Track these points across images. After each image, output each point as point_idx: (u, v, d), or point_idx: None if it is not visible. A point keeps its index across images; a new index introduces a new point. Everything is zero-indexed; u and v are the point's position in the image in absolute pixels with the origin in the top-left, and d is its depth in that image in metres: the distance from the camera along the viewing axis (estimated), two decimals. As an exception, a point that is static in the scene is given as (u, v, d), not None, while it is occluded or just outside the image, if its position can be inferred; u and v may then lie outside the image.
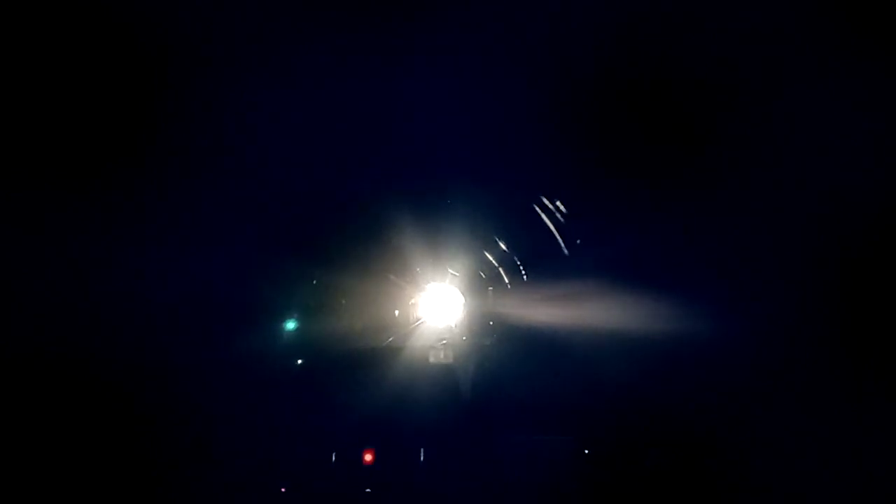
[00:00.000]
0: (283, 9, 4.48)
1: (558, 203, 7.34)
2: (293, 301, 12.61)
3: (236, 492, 6.04)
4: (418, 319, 31.11)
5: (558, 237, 8.10)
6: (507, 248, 11.15)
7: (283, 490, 6.48)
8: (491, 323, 13.67)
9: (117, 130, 5.02)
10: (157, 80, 5.00)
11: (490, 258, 13.66)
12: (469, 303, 20.55)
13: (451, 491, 6.50)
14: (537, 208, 7.87)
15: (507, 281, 13.05)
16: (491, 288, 14.69)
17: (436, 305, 29.06)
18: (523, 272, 10.80)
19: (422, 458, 6.89)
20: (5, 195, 4.04)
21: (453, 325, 26.44)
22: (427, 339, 24.96)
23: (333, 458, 6.77)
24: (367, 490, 6.61)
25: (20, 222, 3.99)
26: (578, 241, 7.69)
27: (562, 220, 7.73)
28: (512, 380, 9.19)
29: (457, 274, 19.58)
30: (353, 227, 12.67)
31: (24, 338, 4.07)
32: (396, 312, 26.86)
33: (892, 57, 3.65)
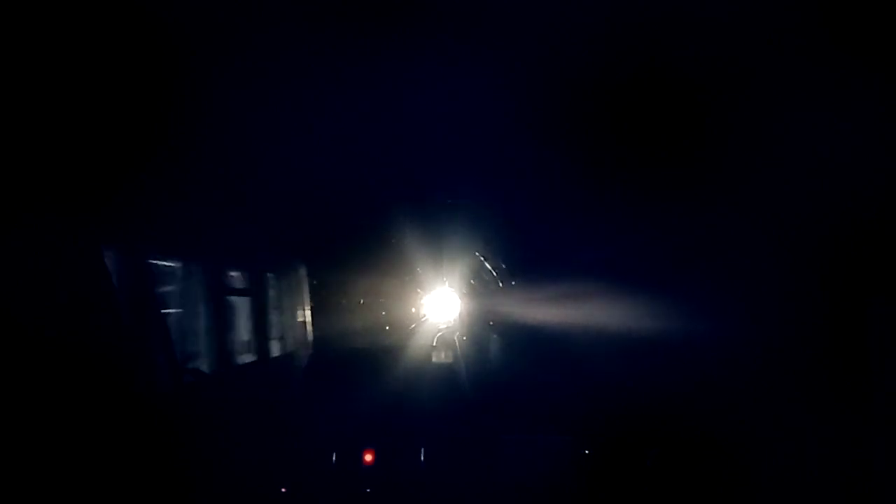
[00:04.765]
0: (292, 15, 4.49)
1: (558, 203, 7.33)
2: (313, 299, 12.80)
3: (236, 492, 6.05)
4: (423, 317, 31.68)
5: (558, 237, 8.09)
6: (508, 248, 11.16)
7: (283, 490, 6.50)
8: (491, 323, 13.68)
9: (127, 132, 5.03)
10: (169, 85, 5.01)
11: (491, 259, 13.67)
12: (470, 303, 20.62)
13: (451, 491, 6.51)
14: (537, 208, 7.87)
15: (507, 281, 13.06)
16: (492, 288, 14.72)
17: (438, 305, 29.32)
18: (523, 272, 10.81)
19: (422, 458, 6.91)
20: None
21: (454, 325, 26.53)
22: (429, 337, 25.18)
23: (334, 458, 6.78)
24: (367, 490, 6.63)
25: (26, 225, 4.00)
26: (578, 242, 7.69)
27: (562, 220, 7.73)
28: (512, 379, 9.19)
29: (458, 274, 19.63)
30: (365, 233, 12.82)
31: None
32: (413, 310, 28.98)
33: (892, 57, 3.65)
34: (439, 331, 27.27)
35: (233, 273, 7.93)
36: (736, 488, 5.33)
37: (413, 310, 31.42)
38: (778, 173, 4.74)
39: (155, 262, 6.16)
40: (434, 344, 22.87)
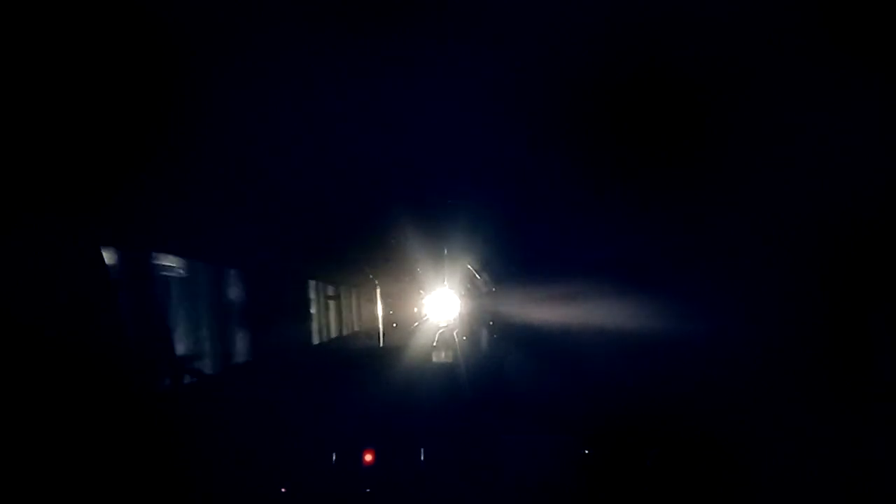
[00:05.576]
0: (292, 15, 4.48)
1: (558, 203, 7.33)
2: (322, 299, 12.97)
3: (237, 492, 6.05)
4: (424, 317, 32.07)
5: (559, 237, 8.09)
6: (507, 248, 11.14)
7: (283, 490, 6.50)
8: (491, 323, 13.66)
9: (128, 132, 5.03)
10: (170, 85, 5.01)
11: (491, 259, 13.66)
12: (470, 303, 20.62)
13: (451, 491, 6.51)
14: (537, 208, 7.87)
15: (507, 281, 13.06)
16: (492, 288, 14.70)
17: (439, 305, 29.62)
18: (523, 272, 10.81)
19: (422, 458, 6.91)
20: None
21: (454, 325, 26.54)
22: (430, 336, 25.30)
23: (333, 458, 6.78)
24: (367, 490, 6.62)
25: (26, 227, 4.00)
26: (579, 241, 7.69)
27: (563, 219, 7.73)
28: (512, 379, 9.19)
29: (458, 275, 19.66)
30: (366, 233, 12.90)
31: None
32: (416, 309, 30.41)
33: (892, 57, 3.64)
34: (440, 329, 27.41)
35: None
36: (736, 488, 5.33)
37: (415, 310, 31.75)
38: (778, 173, 4.74)
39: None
40: (434, 343, 22.90)
